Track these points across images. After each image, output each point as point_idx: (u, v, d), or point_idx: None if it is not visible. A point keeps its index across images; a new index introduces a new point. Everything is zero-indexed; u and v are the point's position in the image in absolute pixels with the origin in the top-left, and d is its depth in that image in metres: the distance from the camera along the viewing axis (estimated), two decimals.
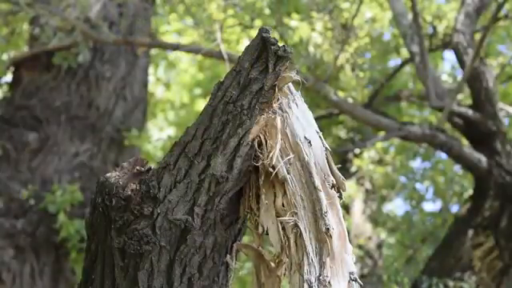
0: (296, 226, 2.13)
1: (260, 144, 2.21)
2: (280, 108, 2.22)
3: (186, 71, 10.68)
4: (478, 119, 6.31)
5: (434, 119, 8.57)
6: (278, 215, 2.18)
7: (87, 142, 6.43)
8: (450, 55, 14.21)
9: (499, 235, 6.12)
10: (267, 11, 6.75)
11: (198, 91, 10.63)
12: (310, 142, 2.20)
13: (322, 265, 2.09)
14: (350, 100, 7.17)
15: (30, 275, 5.90)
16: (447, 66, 10.91)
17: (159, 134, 10.01)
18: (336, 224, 2.16)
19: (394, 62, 9.13)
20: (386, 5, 7.40)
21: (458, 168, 9.11)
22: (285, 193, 2.18)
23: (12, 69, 6.78)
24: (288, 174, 2.18)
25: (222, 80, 2.20)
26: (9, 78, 6.89)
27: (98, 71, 6.62)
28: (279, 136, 2.19)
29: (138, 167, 2.30)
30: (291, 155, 2.19)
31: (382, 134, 7.33)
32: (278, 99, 2.21)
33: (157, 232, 2.21)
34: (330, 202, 2.17)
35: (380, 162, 9.80)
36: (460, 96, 7.29)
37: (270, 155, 2.18)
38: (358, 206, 9.98)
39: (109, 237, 2.26)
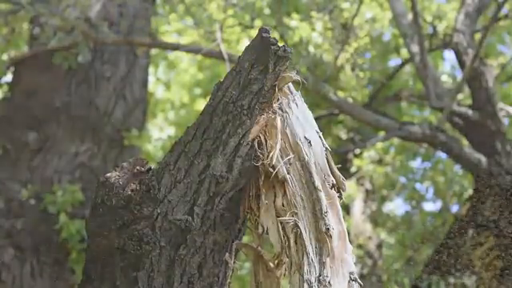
0: (296, 225, 2.13)
1: (260, 144, 2.21)
2: (280, 108, 2.22)
3: (186, 71, 10.67)
4: (477, 119, 6.31)
5: (434, 119, 8.56)
6: (278, 215, 2.18)
7: (87, 142, 6.42)
8: (450, 55, 14.19)
9: (499, 235, 6.11)
10: (267, 11, 6.76)
11: (198, 91, 10.62)
12: (310, 142, 2.20)
13: (322, 265, 2.09)
14: (350, 100, 7.17)
15: (30, 275, 5.90)
16: (447, 66, 10.91)
17: (159, 134, 10.00)
18: (336, 224, 2.16)
19: (394, 61, 9.14)
20: (386, 5, 7.40)
21: (458, 168, 9.11)
22: (285, 193, 2.18)
23: (12, 69, 6.77)
24: (288, 173, 2.17)
25: (221, 80, 2.20)
26: (9, 78, 6.89)
27: (98, 71, 6.62)
28: (279, 136, 2.19)
29: (138, 167, 2.30)
30: (291, 155, 2.19)
31: (382, 133, 7.33)
32: (278, 99, 2.21)
33: (157, 232, 2.21)
34: (330, 202, 2.17)
35: (380, 161, 9.79)
36: (460, 96, 7.29)
37: (270, 155, 2.17)
38: (358, 206, 9.98)
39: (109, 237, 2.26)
